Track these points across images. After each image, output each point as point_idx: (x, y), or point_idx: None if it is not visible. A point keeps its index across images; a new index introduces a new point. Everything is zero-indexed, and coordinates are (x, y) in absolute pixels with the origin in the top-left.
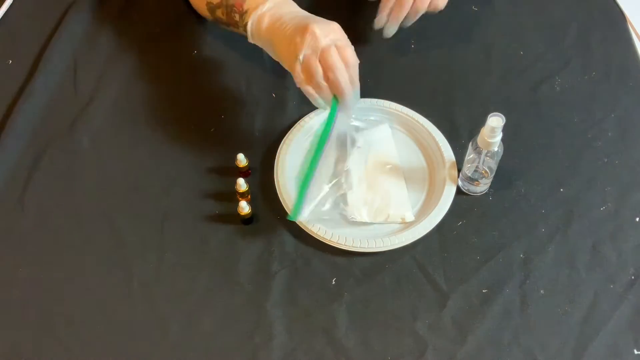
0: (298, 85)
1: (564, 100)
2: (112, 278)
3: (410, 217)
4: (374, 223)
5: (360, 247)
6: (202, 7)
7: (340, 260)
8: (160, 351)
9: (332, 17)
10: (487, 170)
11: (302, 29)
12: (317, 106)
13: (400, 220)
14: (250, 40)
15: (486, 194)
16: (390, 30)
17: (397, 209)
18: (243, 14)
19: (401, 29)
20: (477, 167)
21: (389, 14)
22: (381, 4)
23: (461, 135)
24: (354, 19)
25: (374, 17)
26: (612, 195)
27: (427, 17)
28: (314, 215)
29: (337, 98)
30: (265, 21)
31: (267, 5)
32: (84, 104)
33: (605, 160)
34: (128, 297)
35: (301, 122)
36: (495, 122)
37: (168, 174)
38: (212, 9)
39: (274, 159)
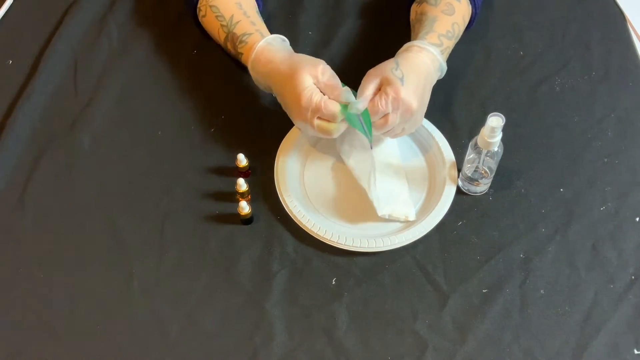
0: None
1: (564, 100)
2: (112, 278)
3: (412, 216)
4: (376, 221)
5: (360, 247)
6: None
7: (340, 260)
8: (160, 351)
9: (330, 17)
10: (487, 170)
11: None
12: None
13: (403, 217)
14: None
15: (486, 194)
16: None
17: (400, 206)
18: (245, 63)
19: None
20: (477, 167)
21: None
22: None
23: (461, 135)
24: (357, 22)
25: (376, 17)
26: (612, 195)
27: None
28: None
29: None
30: (260, 70)
31: (251, 60)
32: (84, 104)
33: (605, 160)
34: (128, 297)
35: None
36: (495, 122)
37: (168, 174)
38: (222, 47)
39: (274, 159)
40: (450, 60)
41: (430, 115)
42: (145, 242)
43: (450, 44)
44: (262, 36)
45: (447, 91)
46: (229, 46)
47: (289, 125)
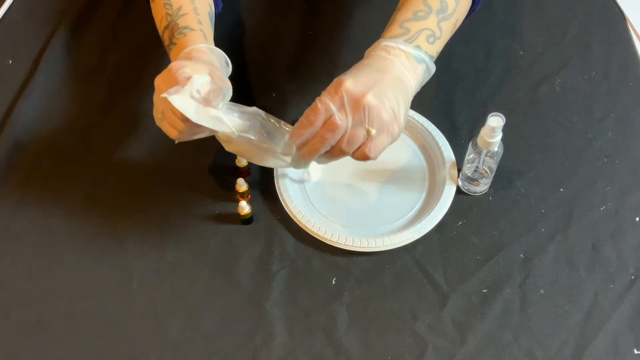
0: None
1: (564, 100)
2: (112, 278)
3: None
4: (376, 221)
5: (360, 247)
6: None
7: (340, 260)
8: (160, 351)
9: (330, 16)
10: (487, 170)
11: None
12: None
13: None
14: None
15: (486, 194)
16: (301, 164)
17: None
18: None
19: None
20: (477, 167)
21: (302, 146)
22: (293, 130)
23: (461, 135)
24: (353, 18)
25: (373, 15)
26: (612, 195)
27: None
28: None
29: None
30: None
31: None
32: (84, 103)
33: (605, 160)
34: (128, 297)
35: None
36: (495, 122)
37: (168, 174)
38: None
39: None
40: (450, 60)
41: (430, 115)
42: (145, 242)
43: (427, 25)
44: (206, 39)
45: (447, 91)
46: (166, 35)
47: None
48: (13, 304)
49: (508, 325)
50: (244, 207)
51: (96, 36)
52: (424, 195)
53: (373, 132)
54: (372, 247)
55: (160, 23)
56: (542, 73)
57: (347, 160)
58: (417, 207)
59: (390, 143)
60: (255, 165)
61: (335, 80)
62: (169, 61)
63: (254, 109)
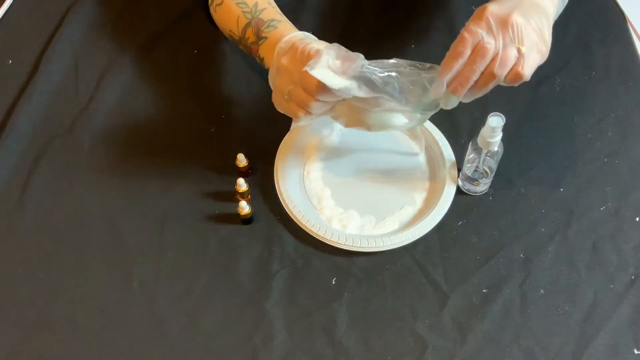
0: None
1: (564, 100)
2: (112, 278)
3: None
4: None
5: (360, 247)
6: (225, 33)
7: (340, 260)
8: (160, 351)
9: (332, 18)
10: (487, 170)
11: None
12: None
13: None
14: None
15: (486, 194)
16: (451, 102)
17: None
18: (262, 59)
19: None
20: (477, 167)
21: (452, 81)
22: (442, 66)
23: (461, 135)
24: (355, 20)
25: (374, 17)
26: (612, 195)
27: (427, 17)
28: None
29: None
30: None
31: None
32: (85, 103)
33: (605, 160)
34: (128, 297)
35: None
36: (495, 122)
37: (168, 174)
38: (234, 41)
39: (274, 159)
40: None
41: None
42: (145, 242)
43: None
44: (294, 27)
45: None
46: (249, 32)
47: (289, 125)
48: (13, 304)
49: (508, 325)
50: (244, 207)
51: (98, 35)
52: (424, 195)
53: (524, 49)
54: (372, 247)
55: (237, 23)
56: (542, 73)
57: (348, 159)
58: (417, 207)
59: (540, 62)
60: (255, 165)
61: (478, 9)
62: (171, 61)
63: (393, 60)
